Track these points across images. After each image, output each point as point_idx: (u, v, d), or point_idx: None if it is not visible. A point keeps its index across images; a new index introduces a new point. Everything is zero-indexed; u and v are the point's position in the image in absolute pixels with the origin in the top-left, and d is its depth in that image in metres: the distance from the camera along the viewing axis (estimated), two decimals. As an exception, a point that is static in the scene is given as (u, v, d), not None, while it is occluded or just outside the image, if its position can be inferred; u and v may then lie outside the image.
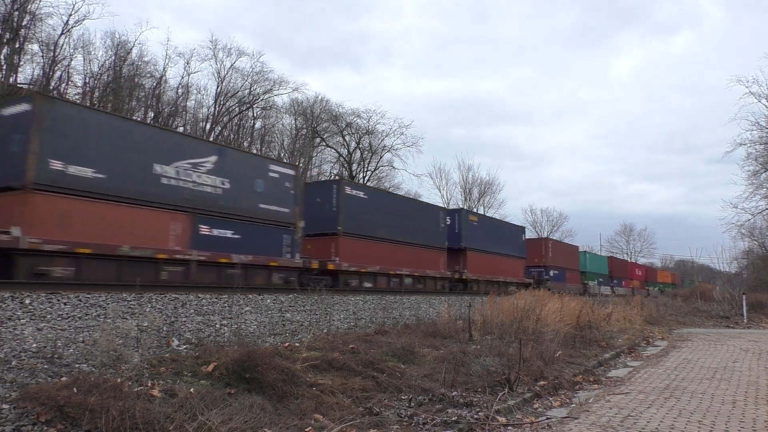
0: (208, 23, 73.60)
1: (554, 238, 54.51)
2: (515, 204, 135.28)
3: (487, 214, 49.18)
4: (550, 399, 7.88)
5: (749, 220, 36.91)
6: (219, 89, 42.45)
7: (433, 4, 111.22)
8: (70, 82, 34.74)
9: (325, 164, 51.88)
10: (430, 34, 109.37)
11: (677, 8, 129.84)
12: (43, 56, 32.48)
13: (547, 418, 6.72)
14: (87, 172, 10.87)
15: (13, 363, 6.07)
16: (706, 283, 76.42)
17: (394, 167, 52.79)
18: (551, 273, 35.24)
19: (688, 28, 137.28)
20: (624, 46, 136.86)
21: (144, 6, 60.99)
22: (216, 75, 42.54)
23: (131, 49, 37.50)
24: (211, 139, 38.37)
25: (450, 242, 23.94)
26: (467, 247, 25.11)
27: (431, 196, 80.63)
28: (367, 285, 18.44)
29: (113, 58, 36.65)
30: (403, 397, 7.15)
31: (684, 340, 17.17)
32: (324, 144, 50.62)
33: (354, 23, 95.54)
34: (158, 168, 12.24)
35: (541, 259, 35.15)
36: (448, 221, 24.58)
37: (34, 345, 6.88)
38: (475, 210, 56.79)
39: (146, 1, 60.63)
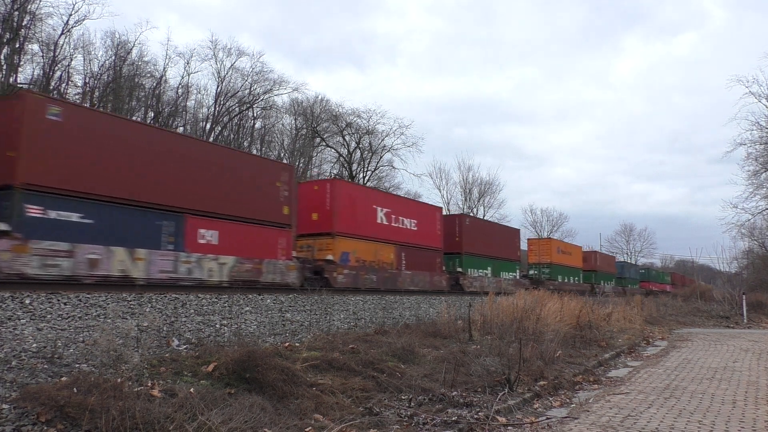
0: (214, 24, 73.87)
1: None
2: (516, 204, 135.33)
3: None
4: (550, 399, 7.89)
5: (749, 220, 36.89)
6: (219, 89, 42.49)
7: (437, 4, 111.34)
8: (70, 82, 34.77)
9: (325, 164, 51.91)
10: (434, 35, 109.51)
11: (680, 9, 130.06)
12: (43, 56, 32.53)
13: (547, 418, 6.72)
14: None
15: (13, 363, 6.07)
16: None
17: (394, 167, 52.79)
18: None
19: (691, 29, 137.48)
20: (627, 47, 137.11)
21: (146, 6, 61.05)
22: (216, 75, 42.57)
23: (131, 49, 37.53)
24: (211, 139, 38.40)
25: None
26: None
27: (431, 195, 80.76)
28: None
29: (113, 58, 36.69)
30: (403, 397, 7.14)
31: (684, 340, 17.17)
32: (324, 144, 50.63)
33: (359, 23, 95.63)
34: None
35: None
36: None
37: (34, 345, 6.88)
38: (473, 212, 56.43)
39: (150, 2, 60.64)
